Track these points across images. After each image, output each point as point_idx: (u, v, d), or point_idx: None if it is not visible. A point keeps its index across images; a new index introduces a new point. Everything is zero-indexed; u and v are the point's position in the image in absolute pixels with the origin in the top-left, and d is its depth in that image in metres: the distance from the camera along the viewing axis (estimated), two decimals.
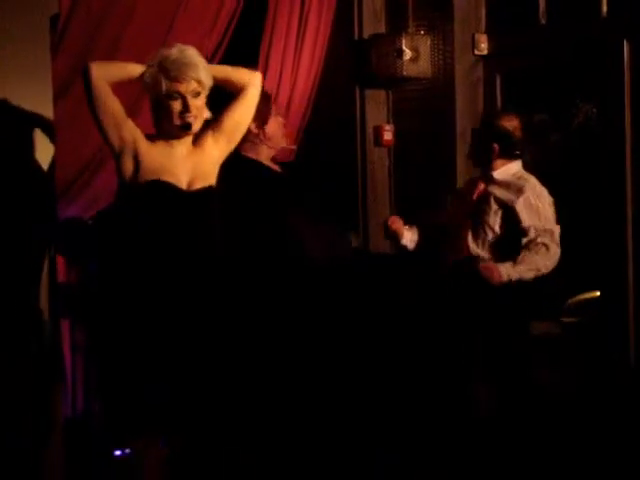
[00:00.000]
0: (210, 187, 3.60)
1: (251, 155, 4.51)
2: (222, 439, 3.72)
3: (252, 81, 3.72)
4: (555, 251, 4.50)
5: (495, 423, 4.52)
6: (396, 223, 4.81)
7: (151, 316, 3.51)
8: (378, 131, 5.69)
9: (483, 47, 5.51)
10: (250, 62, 4.89)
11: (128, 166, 3.53)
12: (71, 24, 4.29)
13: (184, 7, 4.61)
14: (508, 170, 4.61)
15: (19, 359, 3.97)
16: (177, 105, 3.49)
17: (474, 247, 4.59)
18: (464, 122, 5.47)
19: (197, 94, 3.52)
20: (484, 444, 4.51)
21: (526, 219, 4.51)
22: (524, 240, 4.49)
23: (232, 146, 3.73)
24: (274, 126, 4.51)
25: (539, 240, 4.48)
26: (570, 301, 4.96)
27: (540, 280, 4.49)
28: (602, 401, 4.94)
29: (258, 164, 4.52)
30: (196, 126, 3.56)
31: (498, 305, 4.47)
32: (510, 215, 4.53)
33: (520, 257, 4.45)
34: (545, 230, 4.50)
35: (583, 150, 5.34)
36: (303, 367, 4.47)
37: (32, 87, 3.96)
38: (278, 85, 5.18)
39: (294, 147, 4.91)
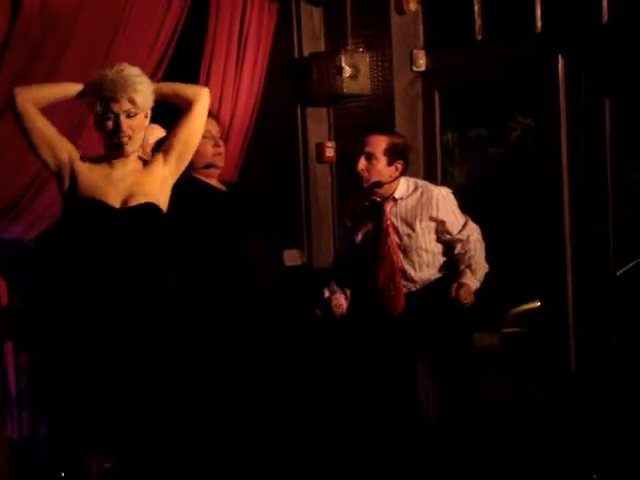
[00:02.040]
0: (148, 203, 3.59)
1: (197, 176, 4.52)
2: (170, 454, 3.72)
3: (198, 97, 3.71)
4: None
5: (438, 433, 4.57)
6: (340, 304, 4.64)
7: (93, 334, 3.51)
8: (320, 148, 5.72)
9: (421, 63, 5.57)
10: (190, 83, 4.90)
11: (65, 185, 3.57)
12: (9, 45, 4.26)
13: (123, 29, 4.61)
14: (403, 186, 4.55)
15: None
16: (110, 125, 3.52)
17: (415, 273, 4.49)
18: None
19: (133, 114, 3.53)
20: (428, 454, 4.56)
21: (449, 223, 4.47)
22: (458, 245, 4.45)
23: (183, 164, 3.71)
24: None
25: (471, 238, 4.45)
26: (510, 312, 5.01)
27: (481, 291, 4.52)
28: (543, 411, 4.99)
29: (200, 183, 4.54)
30: (130, 147, 3.57)
31: (444, 317, 4.46)
32: (432, 227, 4.48)
33: (473, 264, 4.40)
34: (466, 226, 4.47)
35: (521, 163, 5.41)
36: (251, 382, 4.48)
37: None
38: (219, 106, 5.18)
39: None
